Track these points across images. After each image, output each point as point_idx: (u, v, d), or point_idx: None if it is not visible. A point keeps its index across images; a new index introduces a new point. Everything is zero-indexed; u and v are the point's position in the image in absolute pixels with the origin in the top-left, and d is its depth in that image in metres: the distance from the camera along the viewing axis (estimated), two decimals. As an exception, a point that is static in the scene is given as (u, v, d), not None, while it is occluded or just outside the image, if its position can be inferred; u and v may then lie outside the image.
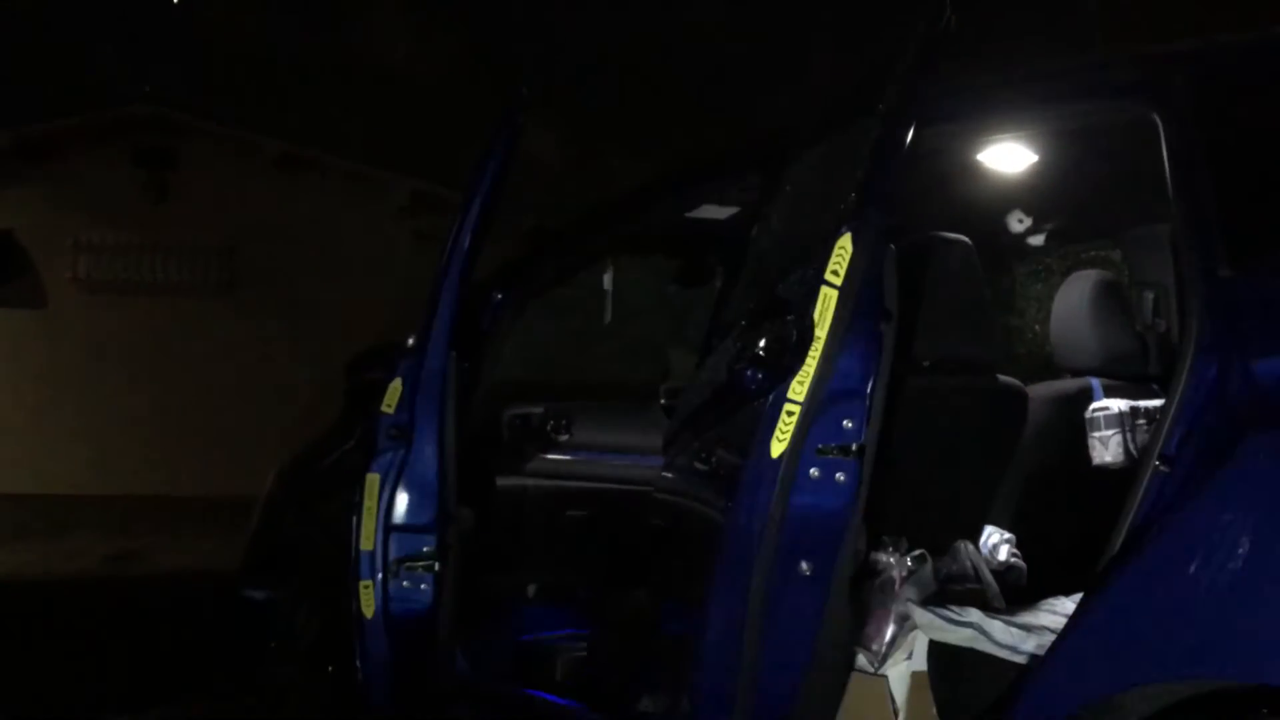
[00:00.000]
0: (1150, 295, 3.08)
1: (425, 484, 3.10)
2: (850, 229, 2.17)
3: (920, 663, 2.26)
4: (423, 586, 3.07)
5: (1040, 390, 2.87)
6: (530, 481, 3.83)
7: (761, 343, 2.25)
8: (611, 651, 3.17)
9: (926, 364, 2.61)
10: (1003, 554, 2.62)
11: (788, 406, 2.17)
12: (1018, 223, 3.52)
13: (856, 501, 2.13)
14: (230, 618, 4.09)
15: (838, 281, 2.16)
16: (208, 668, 4.44)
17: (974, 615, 2.28)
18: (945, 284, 2.63)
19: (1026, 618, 2.31)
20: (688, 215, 3.53)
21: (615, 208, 3.66)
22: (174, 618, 5.83)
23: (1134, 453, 2.48)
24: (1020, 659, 2.18)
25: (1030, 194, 3.33)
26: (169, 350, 11.21)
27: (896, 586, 2.35)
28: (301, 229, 11.34)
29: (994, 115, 2.65)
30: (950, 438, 2.69)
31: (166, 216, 11.44)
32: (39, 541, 9.06)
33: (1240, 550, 1.70)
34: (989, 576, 2.53)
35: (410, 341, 3.18)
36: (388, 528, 3.09)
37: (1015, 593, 2.54)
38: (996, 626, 2.24)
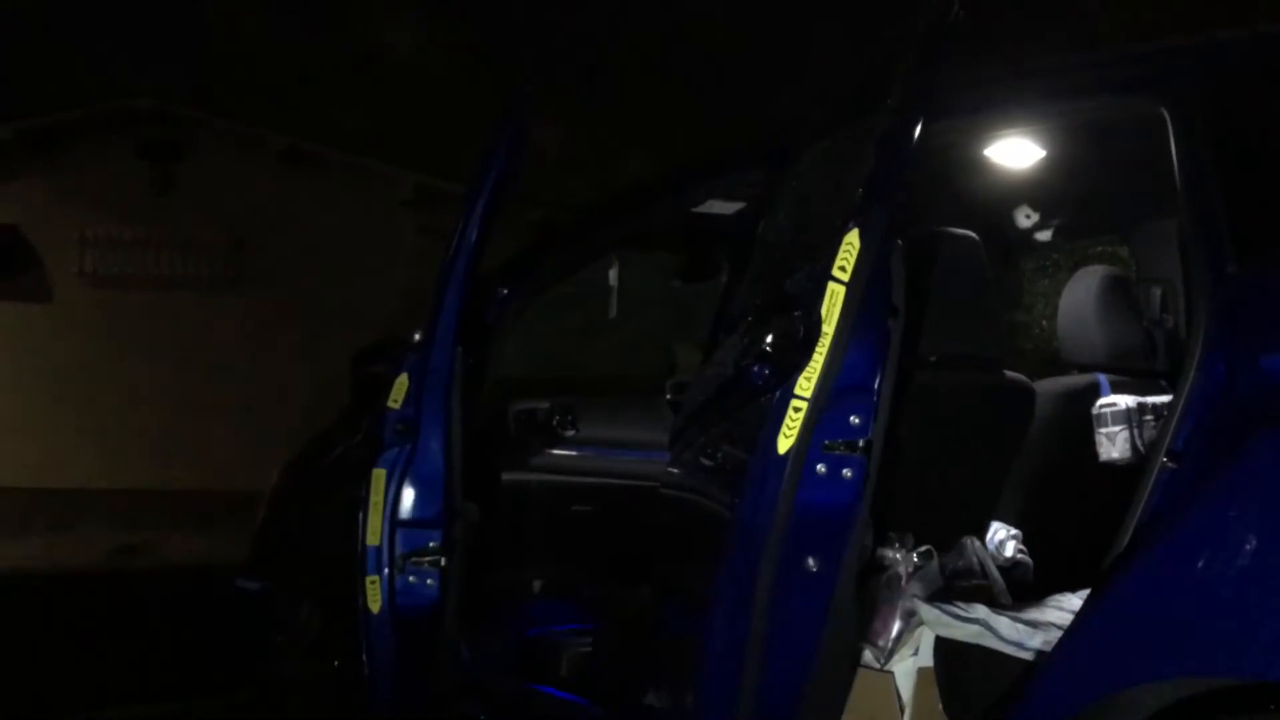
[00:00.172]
0: (1158, 291, 3.07)
1: (431, 479, 3.10)
2: (857, 224, 2.17)
3: (926, 658, 2.26)
4: (429, 581, 3.08)
5: (1047, 386, 2.87)
6: (536, 477, 3.83)
7: (768, 338, 2.25)
8: (616, 647, 3.17)
9: (933, 360, 2.60)
10: (1009, 550, 2.62)
11: (794, 402, 2.16)
12: (1025, 218, 3.52)
13: (863, 497, 2.13)
14: (232, 612, 4.10)
15: (845, 277, 2.16)
16: (211, 662, 4.45)
17: (980, 611, 2.28)
18: (952, 280, 2.63)
19: (1033, 614, 2.31)
20: (694, 210, 3.53)
21: (621, 203, 3.66)
22: (178, 612, 5.84)
23: (1141, 449, 2.47)
24: (1027, 655, 2.18)
25: (1038, 189, 3.33)
26: (175, 344, 11.22)
27: (903, 582, 2.35)
28: (306, 223, 11.35)
29: (1001, 110, 2.64)
30: (957, 433, 2.69)
31: (172, 210, 11.45)
32: (45, 535, 9.08)
33: (1247, 547, 1.69)
34: (995, 572, 2.53)
35: (416, 336, 3.18)
36: (394, 523, 3.09)
37: (1022, 589, 2.54)
38: (1003, 622, 2.24)
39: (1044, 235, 3.79)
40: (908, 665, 2.26)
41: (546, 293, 3.70)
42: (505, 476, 3.76)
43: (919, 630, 2.28)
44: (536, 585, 3.88)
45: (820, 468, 2.14)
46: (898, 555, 2.38)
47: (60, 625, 5.95)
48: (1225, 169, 2.12)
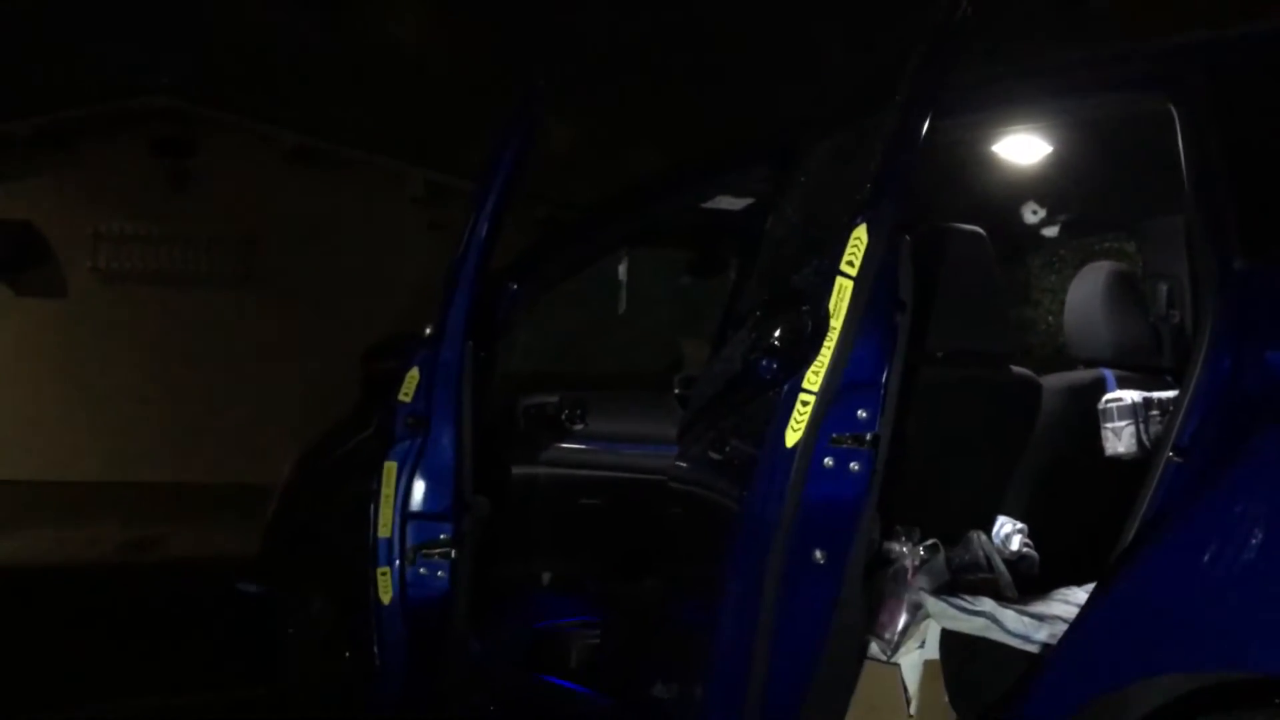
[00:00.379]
0: (1164, 287, 3.08)
1: (442, 472, 3.12)
2: (865, 220, 2.18)
3: (933, 651, 2.27)
4: (439, 573, 3.10)
5: (1054, 381, 2.87)
6: (545, 470, 3.85)
7: (776, 333, 2.27)
8: (624, 638, 3.18)
9: (940, 355, 2.61)
10: (1015, 544, 2.63)
11: (802, 396, 2.18)
12: (1032, 214, 3.52)
13: (870, 491, 2.14)
14: (245, 606, 4.12)
15: (853, 272, 2.17)
16: (225, 656, 4.47)
17: (986, 604, 2.29)
18: (959, 275, 2.64)
19: (1039, 607, 2.33)
20: (703, 206, 3.54)
21: (630, 199, 3.67)
22: (190, 605, 5.86)
23: (1147, 444, 2.48)
24: (1032, 648, 2.20)
25: (1045, 185, 3.33)
26: (187, 339, 11.27)
27: (909, 575, 2.36)
28: (317, 220, 11.38)
29: (1009, 106, 2.65)
30: (964, 428, 2.70)
31: (184, 207, 11.49)
32: (57, 528, 9.13)
33: (1253, 541, 1.70)
34: (1001, 566, 2.54)
35: (427, 331, 3.20)
36: (405, 515, 3.11)
37: (1027, 582, 2.55)
38: (1009, 616, 2.25)
39: (1051, 231, 3.79)
40: (914, 658, 2.27)
41: (556, 288, 3.72)
42: (515, 470, 3.78)
43: (925, 623, 2.30)
44: (545, 578, 3.90)
45: (827, 461, 2.15)
46: (904, 549, 2.39)
47: (70, 618, 5.98)
48: (1233, 165, 2.13)
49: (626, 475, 3.85)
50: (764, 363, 2.28)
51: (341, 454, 3.80)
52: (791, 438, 2.17)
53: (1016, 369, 2.79)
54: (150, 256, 11.56)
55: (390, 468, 3.14)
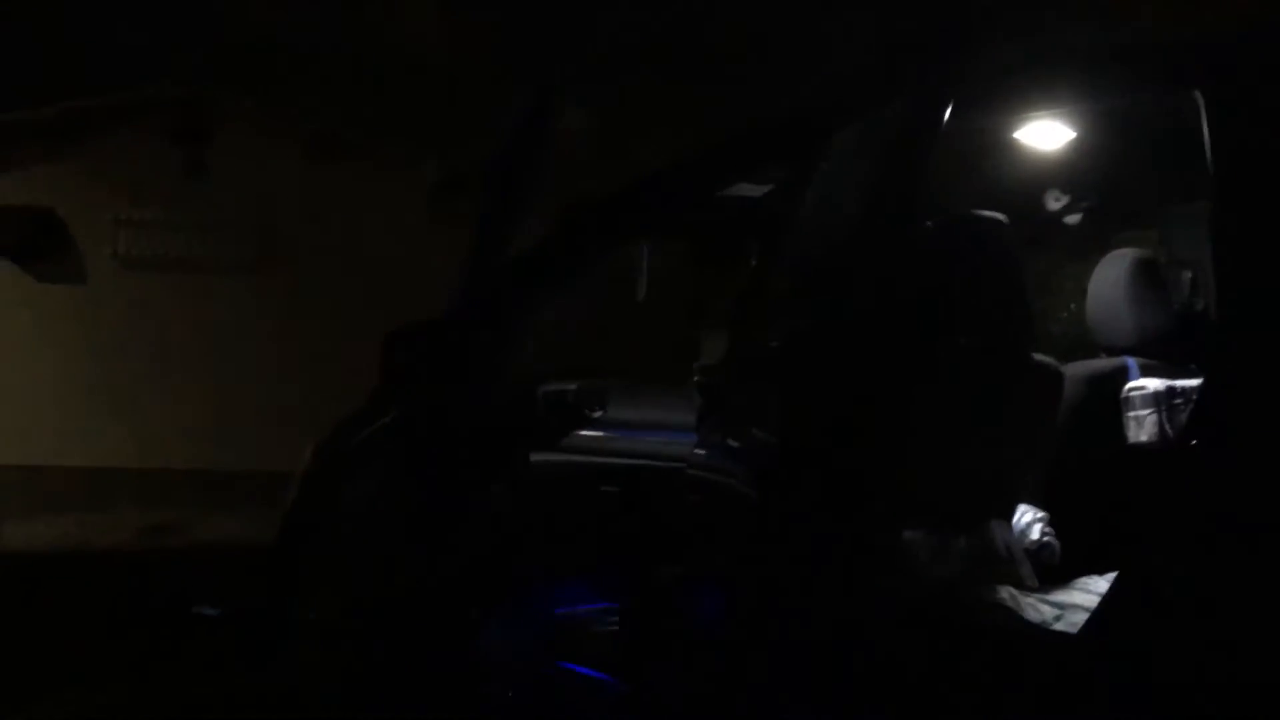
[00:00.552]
0: (1188, 275, 3.06)
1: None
2: (888, 205, 2.17)
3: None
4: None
5: (1076, 369, 2.86)
6: (563, 458, 3.85)
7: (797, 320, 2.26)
8: (643, 626, 3.19)
9: (962, 342, 2.60)
10: (1036, 533, 2.62)
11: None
12: (1054, 201, 3.50)
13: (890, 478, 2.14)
14: (258, 593, 4.13)
15: (873, 260, 2.16)
16: (230, 641, 4.48)
17: (1006, 594, 2.28)
18: (981, 262, 2.62)
19: (1059, 596, 2.32)
20: (722, 193, 3.53)
21: (648, 186, 3.66)
22: (203, 592, 5.88)
23: (1170, 432, 2.47)
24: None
25: (1068, 172, 3.31)
26: (206, 325, 11.31)
27: (929, 563, 2.35)
28: (335, 208, 11.39)
29: (1032, 92, 2.63)
30: (985, 416, 2.68)
31: (203, 194, 11.52)
32: (78, 514, 9.19)
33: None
34: (1021, 555, 2.53)
35: (445, 319, 3.20)
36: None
37: (1048, 572, 2.54)
38: (1029, 604, 2.24)
39: (1073, 218, 3.77)
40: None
41: (574, 276, 3.71)
42: (533, 458, 3.78)
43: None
44: (564, 565, 3.90)
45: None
46: (924, 537, 2.39)
47: (83, 603, 6.01)
48: (1258, 153, 2.10)
49: (645, 463, 3.85)
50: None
51: (360, 440, 3.80)
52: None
53: (1038, 357, 2.78)
54: (170, 243, 11.60)
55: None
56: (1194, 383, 2.46)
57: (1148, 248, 3.51)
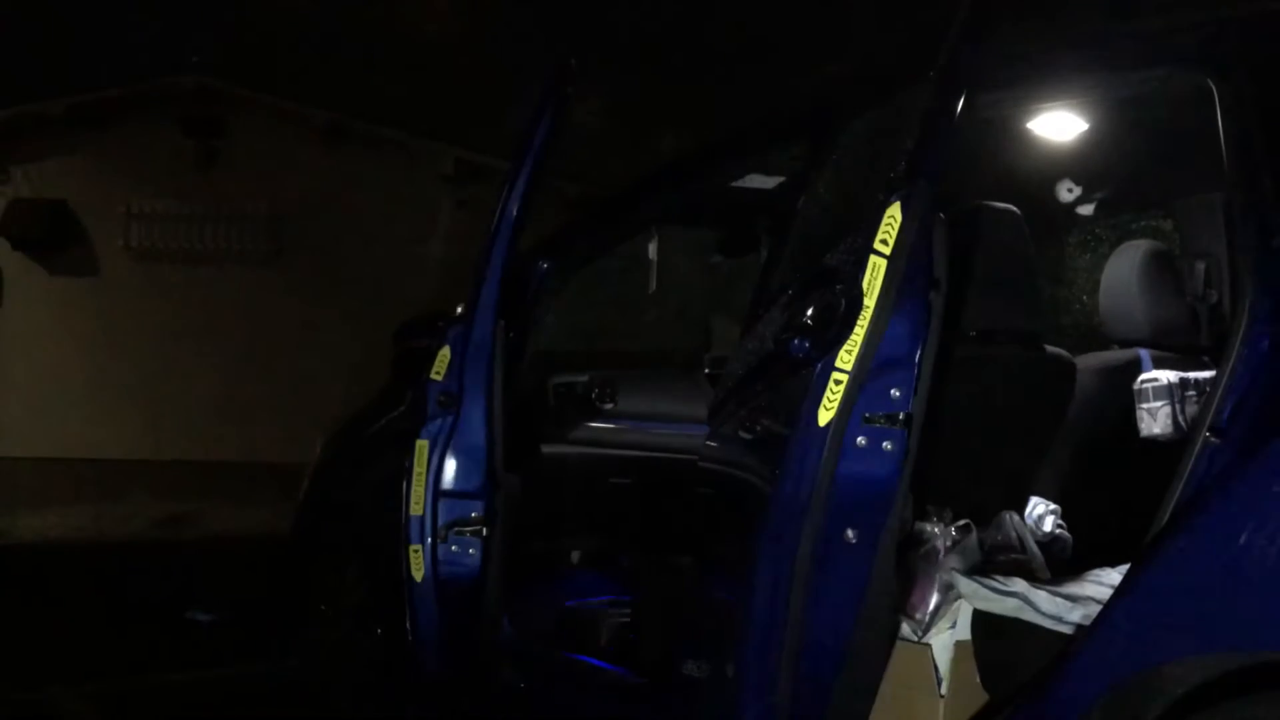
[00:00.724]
0: (1202, 266, 3.04)
1: (473, 450, 3.14)
2: (899, 198, 2.17)
3: (964, 632, 2.26)
4: (471, 551, 3.12)
5: (1088, 361, 2.85)
6: (575, 449, 3.86)
7: (809, 311, 2.26)
8: (655, 617, 3.19)
9: (974, 334, 2.60)
10: (1048, 525, 2.62)
11: (835, 375, 2.17)
12: (1067, 192, 3.49)
13: (903, 470, 2.14)
14: (277, 581, 4.15)
15: (886, 250, 2.16)
16: (253, 630, 4.51)
17: (1019, 585, 2.28)
18: (994, 253, 2.62)
19: (1072, 588, 2.31)
20: (734, 184, 3.53)
21: (661, 176, 3.66)
22: (222, 581, 5.92)
23: (1183, 424, 2.45)
24: (1065, 629, 2.18)
25: (1081, 163, 3.30)
26: (219, 317, 11.34)
27: (941, 556, 2.35)
28: (347, 198, 11.41)
29: (1045, 82, 2.62)
30: (997, 408, 2.68)
31: (215, 185, 11.55)
32: (92, 505, 9.24)
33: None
34: (1034, 547, 2.53)
35: (459, 310, 3.21)
36: (437, 493, 3.13)
37: (1061, 564, 2.54)
38: (1041, 597, 2.24)
39: (1086, 209, 3.76)
40: (945, 638, 2.27)
41: (587, 267, 3.72)
42: (545, 449, 3.79)
43: (957, 604, 2.29)
44: (575, 556, 3.91)
45: (860, 440, 2.15)
46: (936, 529, 2.38)
47: (105, 592, 6.05)
48: (1273, 141, 2.10)
49: (656, 454, 3.85)
50: (796, 341, 2.27)
51: (373, 432, 3.82)
52: (824, 417, 2.16)
53: (1051, 348, 2.77)
54: (182, 235, 11.63)
55: (422, 446, 3.16)
56: (1207, 375, 2.45)
57: (1164, 238, 3.51)
